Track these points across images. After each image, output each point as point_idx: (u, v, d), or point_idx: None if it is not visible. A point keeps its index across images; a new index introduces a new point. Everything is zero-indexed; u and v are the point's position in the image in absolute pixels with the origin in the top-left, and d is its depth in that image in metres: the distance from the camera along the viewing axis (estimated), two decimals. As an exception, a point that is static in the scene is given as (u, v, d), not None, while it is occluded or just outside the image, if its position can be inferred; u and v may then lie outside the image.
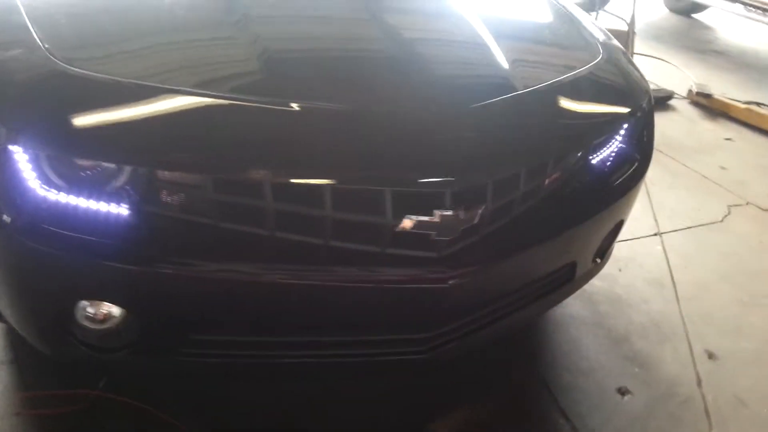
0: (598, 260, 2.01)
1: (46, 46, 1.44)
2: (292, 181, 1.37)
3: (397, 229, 1.41)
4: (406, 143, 1.44)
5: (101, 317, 1.48)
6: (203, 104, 1.40)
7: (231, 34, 1.63)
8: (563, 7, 2.21)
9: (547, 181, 1.62)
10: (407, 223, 1.40)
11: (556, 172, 1.64)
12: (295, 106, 1.42)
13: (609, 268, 2.64)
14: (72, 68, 1.39)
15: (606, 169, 1.83)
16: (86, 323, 1.48)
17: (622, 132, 1.86)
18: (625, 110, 1.86)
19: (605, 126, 1.80)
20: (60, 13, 1.62)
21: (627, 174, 1.89)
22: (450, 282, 1.46)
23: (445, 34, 1.91)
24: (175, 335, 1.50)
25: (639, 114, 1.90)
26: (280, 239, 1.39)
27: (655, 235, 2.98)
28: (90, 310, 1.47)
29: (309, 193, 1.38)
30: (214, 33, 1.65)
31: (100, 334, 1.50)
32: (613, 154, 1.85)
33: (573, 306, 2.42)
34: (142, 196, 1.35)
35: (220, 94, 1.42)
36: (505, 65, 1.72)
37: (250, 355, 1.54)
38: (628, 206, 1.99)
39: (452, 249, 1.47)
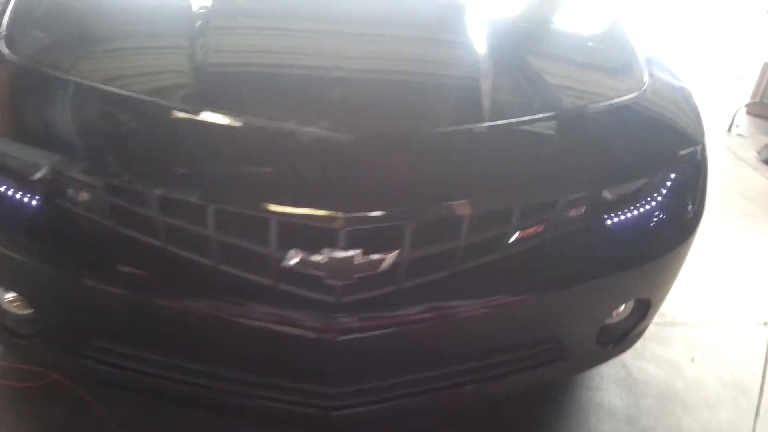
0: (610, 346, 1.62)
1: (5, 33, 1.47)
2: (177, 197, 1.24)
3: (282, 265, 1.22)
4: (305, 168, 1.24)
5: (15, 304, 1.49)
6: (114, 104, 1.33)
7: (180, 43, 1.53)
8: (609, 21, 1.83)
9: (507, 232, 1.31)
10: (293, 259, 1.20)
11: (523, 222, 1.32)
12: (194, 116, 1.29)
13: (678, 353, 2.17)
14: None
15: (612, 230, 1.44)
16: (5, 307, 1.49)
17: (646, 185, 1.46)
18: (654, 158, 1.47)
19: (616, 174, 1.42)
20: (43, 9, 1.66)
21: (651, 240, 1.49)
22: (341, 337, 1.23)
23: (422, 49, 1.65)
24: (73, 336, 1.45)
25: (676, 165, 1.49)
26: (162, 256, 1.27)
27: (765, 325, 2.39)
28: (6, 296, 1.48)
29: (195, 212, 1.24)
30: (164, 40, 1.57)
31: (15, 319, 1.49)
32: (627, 212, 1.45)
33: (607, 390, 2.00)
34: (42, 193, 1.31)
35: (136, 95, 1.34)
36: (484, 90, 1.43)
37: (144, 372, 1.44)
38: (656, 283, 1.58)
39: (353, 297, 1.25)
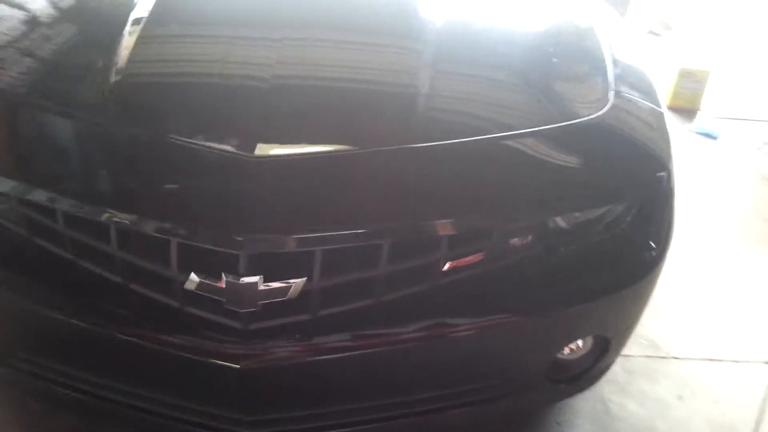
0: (562, 384, 1.50)
1: None
2: (82, 213, 1.19)
3: (185, 288, 1.17)
4: (206, 187, 1.18)
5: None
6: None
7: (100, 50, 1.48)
8: (583, 33, 1.70)
9: (437, 261, 1.22)
10: (193, 283, 1.15)
11: (455, 251, 1.22)
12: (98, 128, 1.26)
13: (666, 390, 2.03)
14: None
15: (560, 262, 1.33)
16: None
17: (599, 214, 1.34)
18: (611, 185, 1.35)
19: (563, 202, 1.31)
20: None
21: (606, 274, 1.38)
22: (241, 362, 1.17)
23: (358, 57, 1.55)
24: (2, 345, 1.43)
25: (636, 194, 1.37)
26: (70, 272, 1.23)
27: (766, 364, 2.20)
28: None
29: (100, 230, 1.19)
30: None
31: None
32: (576, 243, 1.34)
33: (578, 427, 1.86)
34: None
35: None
36: (418, 107, 1.33)
37: (70, 387, 1.40)
38: (614, 320, 1.45)
39: (264, 324, 1.18)
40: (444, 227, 1.20)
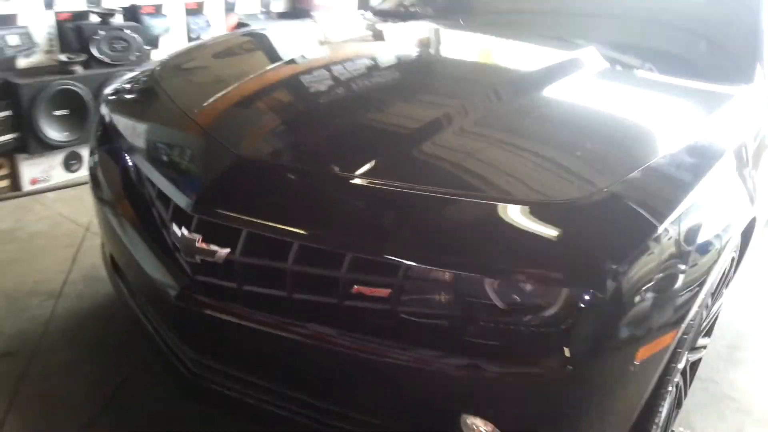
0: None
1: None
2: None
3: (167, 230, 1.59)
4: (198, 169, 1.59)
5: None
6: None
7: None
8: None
9: (331, 277, 1.36)
10: (174, 230, 1.55)
11: (354, 275, 1.36)
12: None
13: None
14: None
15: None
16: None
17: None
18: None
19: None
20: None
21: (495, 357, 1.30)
22: (177, 302, 1.52)
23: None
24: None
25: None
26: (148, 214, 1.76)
27: None
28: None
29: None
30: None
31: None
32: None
33: None
34: None
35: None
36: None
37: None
38: (503, 409, 1.35)
39: (204, 278, 1.51)
40: (349, 248, 1.34)
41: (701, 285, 1.43)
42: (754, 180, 1.77)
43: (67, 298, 2.44)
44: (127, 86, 2.13)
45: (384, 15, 2.84)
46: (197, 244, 1.46)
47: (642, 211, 1.33)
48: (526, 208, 1.34)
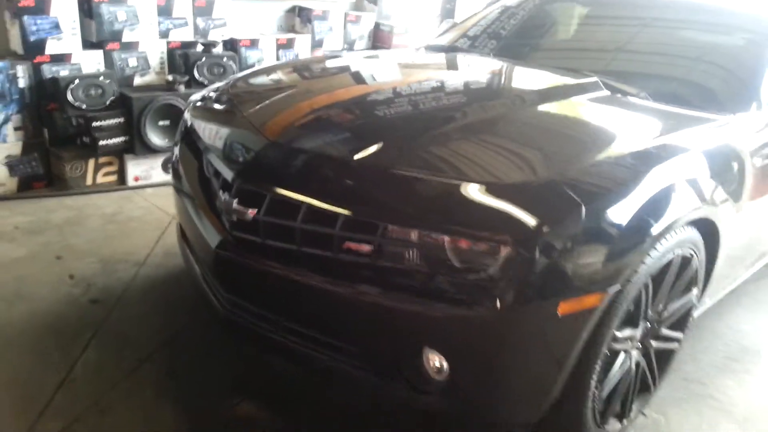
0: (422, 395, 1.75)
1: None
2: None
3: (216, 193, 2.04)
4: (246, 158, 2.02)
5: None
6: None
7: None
8: None
9: (330, 234, 1.75)
10: (220, 196, 2.01)
11: (346, 233, 1.74)
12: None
13: None
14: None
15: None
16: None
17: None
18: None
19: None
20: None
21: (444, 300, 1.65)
22: (217, 250, 1.96)
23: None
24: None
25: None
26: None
27: None
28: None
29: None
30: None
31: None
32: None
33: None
34: None
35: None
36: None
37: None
38: (452, 344, 1.68)
39: (239, 234, 1.94)
40: (343, 215, 1.72)
41: (629, 263, 1.71)
42: (717, 188, 2.02)
43: (148, 267, 2.97)
44: (206, 96, 2.65)
45: (432, 49, 3.26)
46: (234, 206, 1.91)
47: (571, 194, 1.65)
48: (483, 186, 1.69)
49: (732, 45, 2.70)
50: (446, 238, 1.64)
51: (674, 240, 1.85)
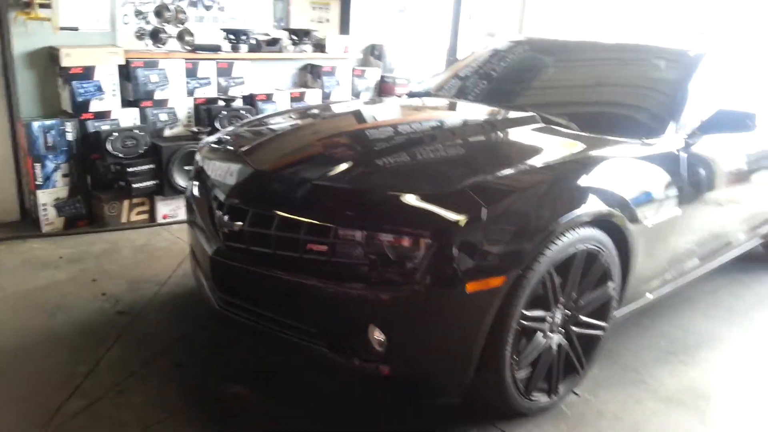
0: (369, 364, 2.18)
1: None
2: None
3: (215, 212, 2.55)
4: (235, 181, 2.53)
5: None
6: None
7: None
8: None
9: (297, 239, 2.23)
10: (217, 214, 2.51)
11: (307, 239, 2.21)
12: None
13: None
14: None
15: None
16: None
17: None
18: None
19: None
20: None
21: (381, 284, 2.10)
22: (212, 256, 2.44)
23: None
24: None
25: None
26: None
27: None
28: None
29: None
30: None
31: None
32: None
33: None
34: None
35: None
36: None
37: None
38: (390, 322, 2.12)
39: (231, 243, 2.43)
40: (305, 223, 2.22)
41: (527, 252, 2.12)
42: (621, 196, 2.43)
43: (169, 286, 3.48)
44: (214, 139, 3.20)
45: (412, 95, 3.79)
46: (225, 219, 2.40)
47: (476, 197, 2.10)
48: (412, 196, 2.15)
49: (649, 80, 3.15)
50: (383, 236, 2.09)
51: (575, 236, 2.25)
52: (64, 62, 4.13)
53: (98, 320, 3.09)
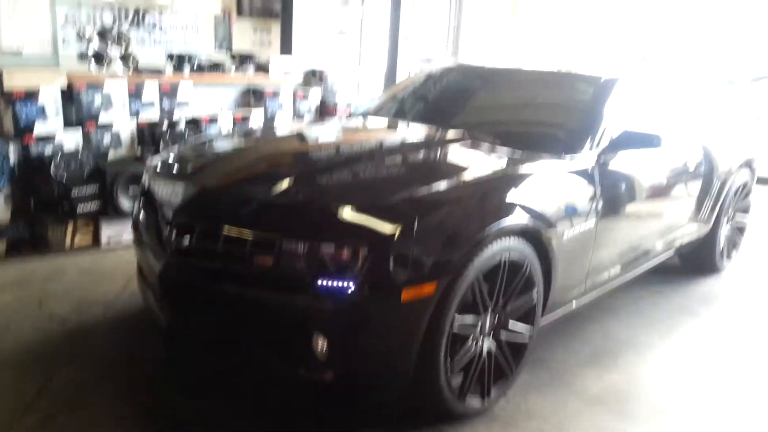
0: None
1: None
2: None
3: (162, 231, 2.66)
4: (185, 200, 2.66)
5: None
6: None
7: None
8: None
9: (244, 252, 2.35)
10: (165, 231, 2.63)
11: (252, 251, 2.36)
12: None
13: None
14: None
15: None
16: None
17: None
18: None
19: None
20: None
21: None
22: (160, 274, 2.56)
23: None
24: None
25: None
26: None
27: None
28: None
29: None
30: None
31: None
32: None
33: None
34: None
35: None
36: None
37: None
38: (326, 329, 2.28)
39: (177, 258, 2.54)
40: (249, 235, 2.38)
41: (456, 260, 2.32)
42: (541, 208, 2.67)
43: (117, 306, 3.55)
44: (161, 160, 3.30)
45: (353, 115, 4.00)
46: (173, 237, 2.53)
47: (407, 211, 2.30)
48: (350, 209, 2.33)
49: (568, 102, 3.47)
50: (324, 247, 2.25)
51: (500, 245, 2.47)
52: (7, 85, 4.15)
53: (47, 340, 3.14)
